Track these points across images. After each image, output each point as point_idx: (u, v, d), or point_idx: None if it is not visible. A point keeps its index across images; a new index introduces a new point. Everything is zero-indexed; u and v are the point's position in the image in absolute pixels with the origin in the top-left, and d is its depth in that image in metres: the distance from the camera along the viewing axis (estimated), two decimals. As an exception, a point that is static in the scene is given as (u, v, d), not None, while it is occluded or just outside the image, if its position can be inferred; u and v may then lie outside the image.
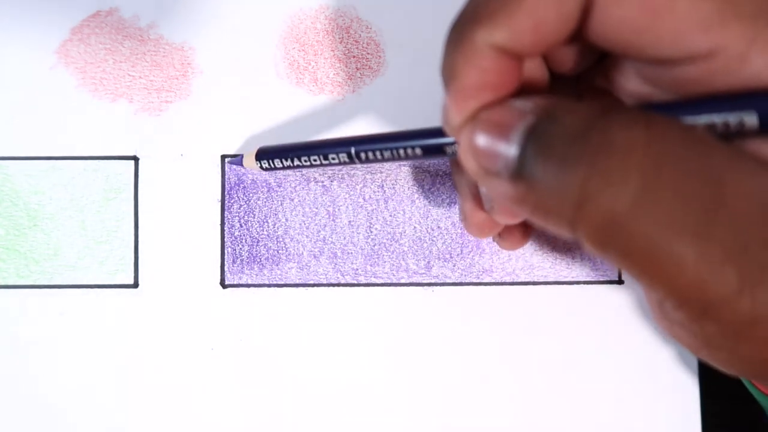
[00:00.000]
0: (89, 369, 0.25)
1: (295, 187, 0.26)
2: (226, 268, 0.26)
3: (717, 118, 0.15)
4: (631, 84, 0.18)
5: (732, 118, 0.15)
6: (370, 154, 0.21)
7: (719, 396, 0.25)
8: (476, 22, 0.16)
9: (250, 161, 0.24)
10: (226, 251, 0.26)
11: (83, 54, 0.26)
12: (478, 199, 0.22)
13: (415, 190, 0.26)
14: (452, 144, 0.19)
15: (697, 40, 0.15)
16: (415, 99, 0.26)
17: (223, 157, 0.26)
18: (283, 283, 0.26)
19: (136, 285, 0.26)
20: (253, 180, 0.26)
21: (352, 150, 0.21)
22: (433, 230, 0.26)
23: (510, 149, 0.15)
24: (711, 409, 0.25)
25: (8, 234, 0.26)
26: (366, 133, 0.26)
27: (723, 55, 0.15)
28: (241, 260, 0.26)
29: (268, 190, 0.26)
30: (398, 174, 0.26)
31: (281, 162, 0.24)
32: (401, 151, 0.20)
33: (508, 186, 0.15)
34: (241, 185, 0.26)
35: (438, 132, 0.20)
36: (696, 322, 0.14)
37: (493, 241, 0.25)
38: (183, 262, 0.26)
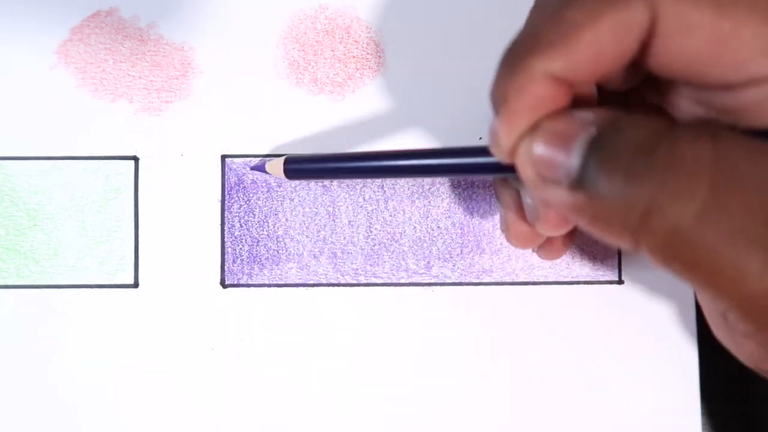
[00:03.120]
0: (89, 369, 0.25)
1: (295, 187, 0.26)
2: (226, 268, 0.26)
3: None
4: (684, 105, 0.18)
5: None
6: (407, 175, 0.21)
7: (719, 396, 0.25)
8: (533, 50, 0.16)
9: (275, 169, 0.24)
10: (226, 251, 0.26)
11: (83, 54, 0.26)
12: (521, 210, 0.21)
13: (415, 190, 0.26)
14: (495, 164, 0.19)
15: (761, 65, 0.15)
16: (415, 99, 0.26)
17: (223, 157, 0.26)
18: (283, 283, 0.26)
19: (136, 285, 0.26)
20: (253, 180, 0.26)
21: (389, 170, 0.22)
22: (433, 230, 0.26)
23: (571, 159, 0.15)
24: (711, 409, 0.25)
25: (8, 234, 0.26)
26: (367, 133, 0.26)
27: None
28: (241, 260, 0.26)
29: (268, 190, 0.26)
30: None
31: (309, 174, 0.24)
32: (440, 172, 0.20)
33: (567, 195, 0.16)
34: (241, 185, 0.26)
35: (476, 151, 0.19)
36: (762, 332, 0.15)
37: (533, 252, 0.25)
38: (183, 262, 0.26)
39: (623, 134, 0.15)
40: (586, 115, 0.16)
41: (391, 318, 0.25)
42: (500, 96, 0.16)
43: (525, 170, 0.17)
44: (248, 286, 0.26)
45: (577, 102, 0.17)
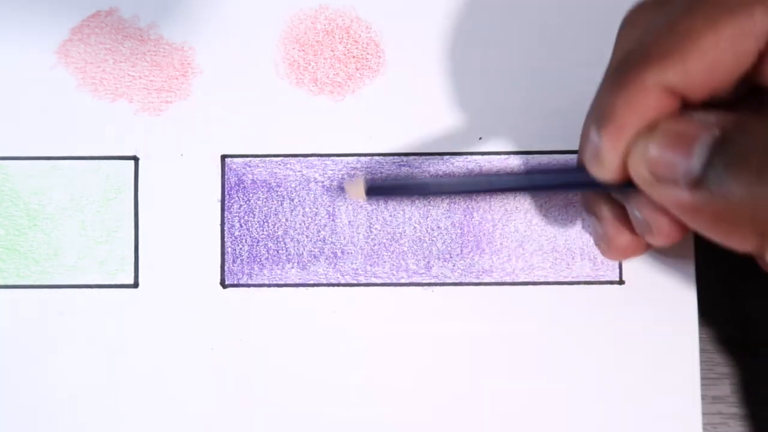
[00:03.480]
0: (89, 369, 0.25)
1: (295, 187, 0.26)
2: (226, 268, 0.26)
3: None
4: None
5: None
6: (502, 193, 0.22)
7: (719, 397, 0.25)
8: (646, 61, 0.15)
9: (355, 191, 0.24)
10: (226, 251, 0.26)
11: (83, 54, 0.26)
12: (622, 221, 0.21)
13: (415, 190, 0.26)
14: (591, 181, 0.18)
15: None
16: (415, 99, 0.26)
17: (223, 157, 0.26)
18: (283, 283, 0.26)
19: (136, 285, 0.26)
20: (253, 180, 0.26)
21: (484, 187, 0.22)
22: (432, 230, 0.26)
23: (692, 159, 0.15)
24: (711, 409, 0.25)
25: (8, 234, 0.26)
26: (367, 133, 0.26)
27: None
28: (241, 260, 0.26)
29: (268, 190, 0.26)
30: (398, 174, 0.26)
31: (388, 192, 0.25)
32: (527, 189, 0.21)
33: (686, 194, 0.15)
34: (241, 185, 0.26)
35: (569, 168, 0.19)
36: None
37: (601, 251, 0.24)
38: (183, 262, 0.26)
39: (753, 135, 0.14)
40: (706, 117, 0.15)
41: (391, 318, 0.25)
42: (606, 110, 0.16)
43: (638, 170, 0.16)
44: (248, 286, 0.26)
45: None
